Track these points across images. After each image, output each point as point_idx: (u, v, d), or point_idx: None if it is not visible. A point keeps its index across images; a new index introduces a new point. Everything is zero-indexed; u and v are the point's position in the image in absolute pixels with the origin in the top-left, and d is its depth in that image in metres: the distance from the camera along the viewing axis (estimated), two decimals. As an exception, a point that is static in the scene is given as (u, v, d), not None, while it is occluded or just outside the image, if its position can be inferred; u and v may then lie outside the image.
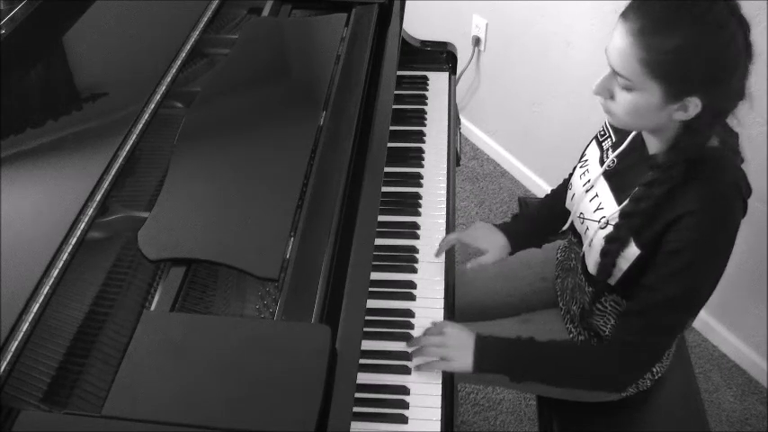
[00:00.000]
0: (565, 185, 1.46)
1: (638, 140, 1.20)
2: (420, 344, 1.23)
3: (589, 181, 1.27)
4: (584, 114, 2.28)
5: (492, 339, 1.24)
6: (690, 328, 2.18)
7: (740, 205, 1.10)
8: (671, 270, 1.08)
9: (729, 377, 2.07)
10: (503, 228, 1.46)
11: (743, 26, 1.01)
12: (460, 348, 1.21)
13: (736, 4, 1.01)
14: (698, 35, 0.98)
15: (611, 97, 1.08)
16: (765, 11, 1.64)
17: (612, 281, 1.20)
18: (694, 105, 1.02)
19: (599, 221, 1.20)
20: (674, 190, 1.07)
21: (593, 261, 1.21)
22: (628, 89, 1.04)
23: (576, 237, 1.30)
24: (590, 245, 1.22)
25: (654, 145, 1.15)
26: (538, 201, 1.53)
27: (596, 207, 1.22)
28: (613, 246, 1.15)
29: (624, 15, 1.03)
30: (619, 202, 1.18)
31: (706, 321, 2.16)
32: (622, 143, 1.23)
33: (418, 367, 1.21)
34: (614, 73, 1.05)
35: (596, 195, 1.24)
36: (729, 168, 1.09)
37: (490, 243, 1.43)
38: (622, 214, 1.14)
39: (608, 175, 1.23)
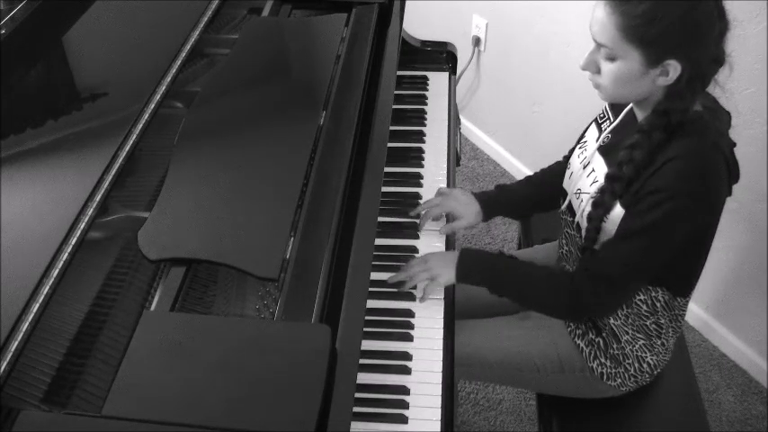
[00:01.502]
0: (555, 167, 1.51)
1: (631, 115, 1.25)
2: (407, 273, 1.31)
3: (586, 158, 1.31)
4: (585, 114, 2.28)
5: (474, 252, 1.34)
6: (690, 328, 2.18)
7: (722, 166, 1.13)
8: (645, 206, 1.13)
9: (729, 377, 2.07)
10: (478, 195, 1.50)
11: None
12: (445, 264, 1.31)
13: None
14: None
15: (598, 71, 1.14)
16: (765, 11, 1.64)
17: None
18: (674, 69, 1.08)
19: (591, 193, 1.24)
20: (656, 150, 1.12)
21: (583, 229, 1.25)
22: (610, 59, 1.11)
23: (571, 216, 1.33)
24: (582, 215, 1.26)
25: (642, 114, 1.20)
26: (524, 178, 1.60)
27: (593, 181, 1.26)
28: (599, 210, 1.20)
29: None
30: None
31: (706, 321, 2.16)
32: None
33: (403, 285, 1.31)
34: (597, 45, 1.12)
35: (593, 170, 1.28)
36: (710, 127, 1.13)
37: (465, 210, 1.47)
38: (607, 178, 1.19)
39: (603, 151, 1.28)
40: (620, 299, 1.26)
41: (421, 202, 1.50)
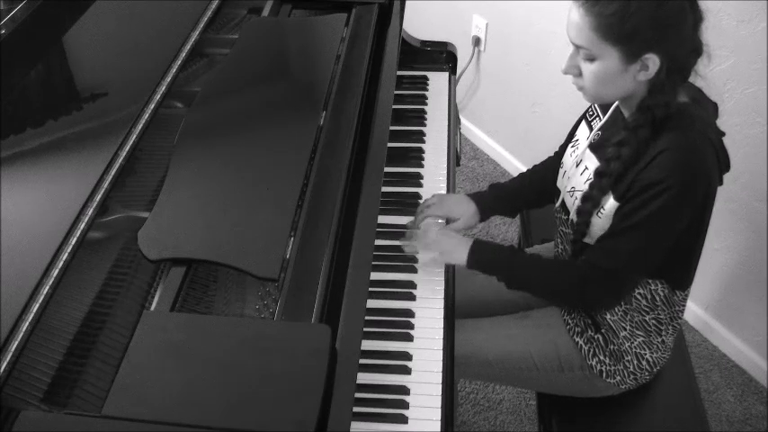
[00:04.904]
0: (546, 163, 1.53)
1: (619, 111, 1.26)
2: (422, 238, 1.34)
3: (578, 156, 1.32)
4: (584, 114, 2.28)
5: (487, 243, 1.35)
6: (690, 328, 2.18)
7: (711, 154, 1.14)
8: (640, 201, 1.14)
9: (729, 377, 2.07)
10: (473, 196, 1.51)
11: None
12: (458, 244, 1.33)
13: None
14: None
15: (579, 74, 1.16)
16: (765, 11, 1.64)
17: (592, 241, 1.25)
18: (653, 62, 1.10)
19: (585, 190, 1.25)
20: (644, 145, 1.14)
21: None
22: (590, 60, 1.13)
23: (565, 214, 1.34)
24: (575, 212, 1.27)
25: (627, 112, 1.22)
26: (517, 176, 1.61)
27: (586, 179, 1.27)
28: (587, 204, 1.22)
29: None
30: None
31: (706, 321, 2.16)
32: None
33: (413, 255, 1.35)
34: (576, 48, 1.14)
35: (586, 168, 1.29)
36: (696, 118, 1.15)
37: (461, 211, 1.48)
38: (596, 173, 1.21)
39: (594, 148, 1.30)
40: (624, 291, 1.27)
41: (421, 202, 1.50)
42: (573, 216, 1.29)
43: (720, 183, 1.19)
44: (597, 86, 1.15)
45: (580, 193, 1.27)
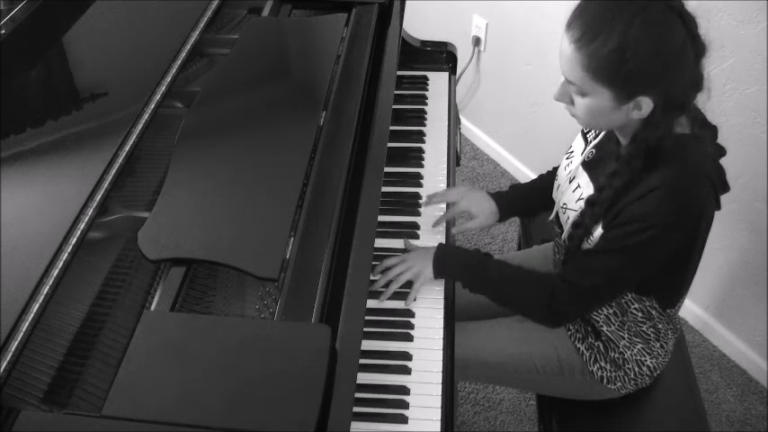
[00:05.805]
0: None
1: (613, 133, 1.23)
2: (388, 277, 1.29)
3: (571, 172, 1.30)
4: (585, 114, 2.28)
5: (451, 249, 1.34)
6: (690, 328, 2.18)
7: (706, 187, 1.11)
8: (624, 231, 1.12)
9: (729, 377, 2.07)
10: (494, 196, 1.50)
11: (684, 21, 1.03)
12: (423, 261, 1.30)
13: (676, 1, 1.03)
14: (632, 36, 1.00)
15: (572, 102, 1.13)
16: (765, 11, 1.64)
17: None
18: (647, 104, 1.06)
19: (578, 211, 1.23)
20: (636, 178, 1.11)
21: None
22: (581, 94, 1.09)
23: (559, 227, 1.33)
24: (567, 232, 1.25)
25: (622, 138, 1.19)
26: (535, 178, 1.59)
27: (578, 197, 1.25)
28: (578, 231, 1.19)
29: (567, 25, 1.08)
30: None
31: (706, 321, 2.16)
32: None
33: (383, 293, 1.29)
34: (567, 80, 1.10)
35: (578, 186, 1.27)
36: (693, 152, 1.11)
37: (481, 209, 1.47)
38: (587, 202, 1.19)
39: (587, 166, 1.27)
40: (593, 307, 1.28)
41: (421, 202, 1.50)
42: (565, 236, 1.27)
43: (718, 207, 1.16)
44: (589, 118, 1.12)
45: (572, 211, 1.25)
